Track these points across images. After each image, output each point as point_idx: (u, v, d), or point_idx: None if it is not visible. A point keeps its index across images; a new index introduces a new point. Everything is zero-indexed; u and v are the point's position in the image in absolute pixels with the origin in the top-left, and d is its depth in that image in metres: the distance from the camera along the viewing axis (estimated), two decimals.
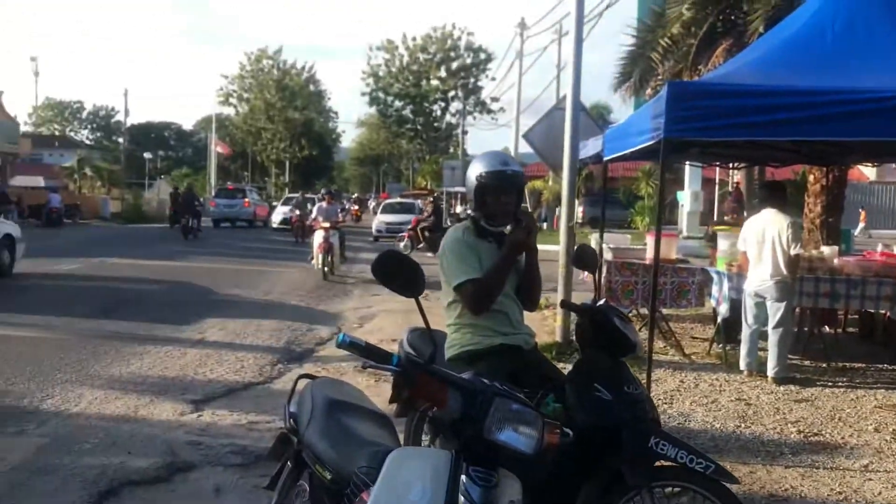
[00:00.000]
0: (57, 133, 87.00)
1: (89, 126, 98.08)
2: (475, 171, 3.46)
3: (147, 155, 68.39)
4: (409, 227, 22.86)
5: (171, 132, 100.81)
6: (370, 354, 2.27)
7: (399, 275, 2.42)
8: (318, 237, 15.12)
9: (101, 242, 22.55)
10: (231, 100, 73.09)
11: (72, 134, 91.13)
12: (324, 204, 16.02)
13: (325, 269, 14.75)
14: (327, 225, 14.91)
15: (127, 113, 55.17)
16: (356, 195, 64.52)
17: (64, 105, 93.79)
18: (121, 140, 67.25)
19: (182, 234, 26.13)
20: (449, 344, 3.54)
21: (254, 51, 72.78)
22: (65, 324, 9.28)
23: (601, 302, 3.49)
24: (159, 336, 8.80)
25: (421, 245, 21.04)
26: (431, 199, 27.31)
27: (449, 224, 36.02)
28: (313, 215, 16.14)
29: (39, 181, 39.09)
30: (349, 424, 2.79)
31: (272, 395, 6.48)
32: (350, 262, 18.05)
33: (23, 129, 47.53)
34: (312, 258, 15.57)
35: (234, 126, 75.54)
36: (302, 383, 3.18)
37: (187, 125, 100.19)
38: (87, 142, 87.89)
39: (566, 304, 4.15)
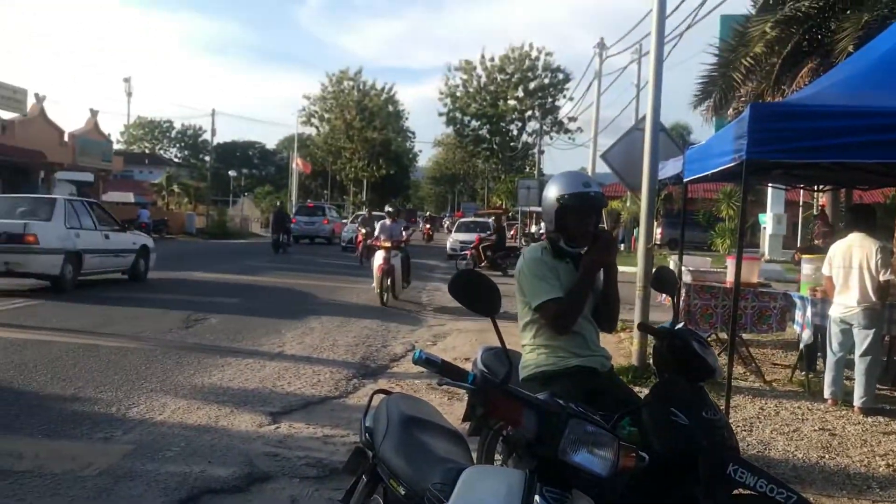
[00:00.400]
0: (147, 151, 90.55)
1: (177, 144, 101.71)
2: (555, 191, 3.44)
3: (231, 173, 70.59)
4: (472, 245, 22.91)
5: (255, 151, 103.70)
6: (446, 372, 2.30)
7: (475, 293, 2.44)
8: (377, 258, 13.83)
9: (186, 257, 23.34)
10: (313, 120, 74.74)
11: (161, 152, 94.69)
12: (387, 222, 14.76)
13: (385, 293, 13.58)
14: (388, 245, 13.75)
15: (213, 132, 57.19)
16: (429, 213, 62.91)
17: (154, 124, 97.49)
18: (207, 158, 69.55)
19: (273, 249, 27.51)
20: (523, 364, 3.54)
21: (335, 72, 74.37)
22: (151, 335, 9.62)
23: (680, 325, 3.45)
24: (240, 349, 9.04)
25: (483, 264, 21.07)
26: (493, 218, 27.30)
27: (523, 244, 36.02)
28: (375, 234, 14.89)
29: (130, 197, 40.75)
30: (424, 440, 2.82)
31: (347, 409, 6.58)
32: (423, 280, 18.12)
33: (115, 147, 49.54)
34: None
35: (314, 145, 77.20)
36: (377, 398, 3.24)
37: (270, 144, 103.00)
38: (175, 160, 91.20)
39: (644, 327, 4.09)
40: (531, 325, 3.51)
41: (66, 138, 35.62)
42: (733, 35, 12.18)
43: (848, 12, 10.51)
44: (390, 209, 15.58)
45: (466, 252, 22.68)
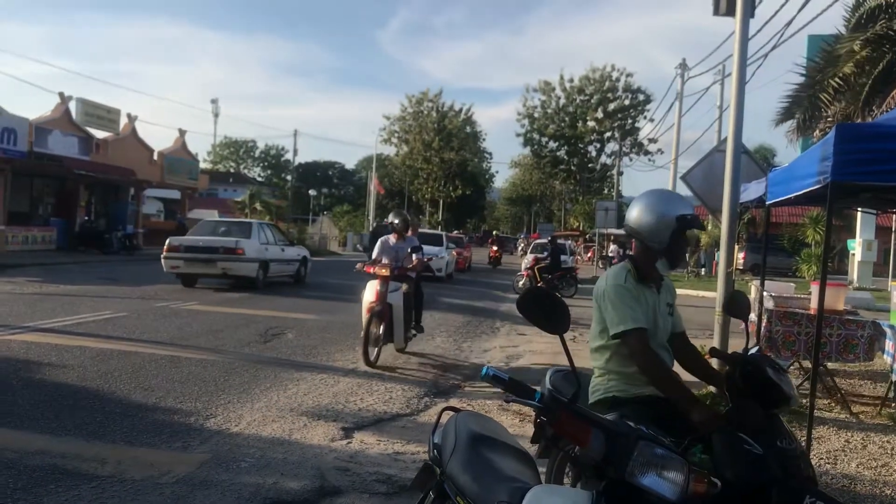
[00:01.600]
0: (231, 170, 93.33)
1: (261, 164, 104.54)
2: (675, 210, 3.35)
3: (312, 192, 72.05)
4: (528, 266, 22.84)
5: (335, 171, 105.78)
6: (513, 389, 2.30)
7: (545, 312, 2.43)
8: (368, 290, 9.60)
9: None
10: (392, 140, 75.87)
11: (245, 171, 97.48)
12: (390, 239, 10.20)
13: (374, 347, 9.30)
14: (386, 272, 9.49)
15: (295, 152, 58.79)
16: (496, 233, 54.38)
17: (239, 144, 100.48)
18: (288, 177, 71.20)
19: None
20: (593, 388, 3.48)
21: (416, 93, 75.38)
22: (230, 349, 9.87)
23: (754, 350, 3.35)
24: (314, 364, 9.19)
25: (539, 285, 20.91)
26: (549, 239, 27.12)
27: (601, 266, 35.58)
28: (374, 254, 10.27)
29: (214, 214, 41.94)
30: (491, 458, 2.81)
31: (418, 426, 6.61)
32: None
33: (201, 165, 51.25)
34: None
35: (392, 165, 78.29)
36: (446, 416, 3.24)
37: (350, 164, 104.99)
38: (259, 178, 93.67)
39: (716, 353, 3.96)
40: (604, 350, 3.43)
41: (155, 157, 37.05)
42: (821, 55, 11.84)
43: None
44: (396, 220, 10.30)
45: (522, 273, 22.66)
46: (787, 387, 3.06)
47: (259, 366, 8.80)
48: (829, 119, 11.99)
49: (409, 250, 10.11)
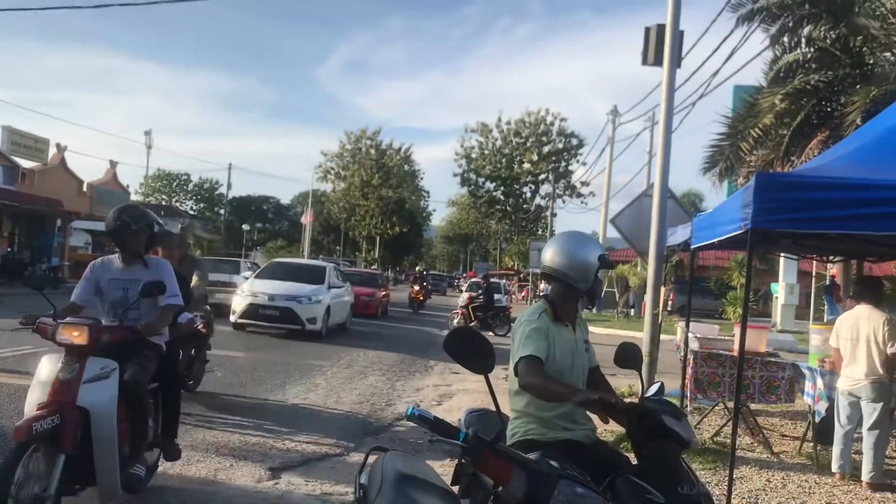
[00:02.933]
0: (164, 203, 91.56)
1: (194, 197, 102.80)
2: (596, 251, 3.44)
3: (245, 226, 71.11)
4: (462, 305, 23.04)
5: (270, 205, 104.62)
6: (438, 428, 2.31)
7: (470, 351, 2.46)
8: (38, 381, 4.53)
9: None
10: (329, 176, 75.65)
11: (178, 204, 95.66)
12: (113, 263, 5.26)
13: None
14: (81, 339, 4.43)
15: (229, 186, 58.02)
16: (418, 268, 44.13)
17: (172, 177, 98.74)
18: (222, 211, 70.21)
19: None
20: (511, 431, 3.46)
21: (354, 131, 75.52)
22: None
23: (654, 388, 3.39)
24: (241, 403, 9.01)
25: (472, 323, 21.16)
26: (482, 278, 27.41)
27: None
28: (73, 295, 5.28)
29: None
30: (416, 499, 2.80)
31: (347, 466, 6.53)
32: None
33: (133, 198, 50.15)
34: None
35: (329, 201, 78.01)
36: (374, 456, 3.23)
37: (285, 200, 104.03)
38: (191, 212, 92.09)
39: (610, 406, 3.23)
40: (522, 394, 3.41)
41: (84, 188, 36.18)
42: (743, 106, 12.36)
43: (858, 86, 10.65)
44: (120, 223, 5.08)
45: (457, 311, 22.82)
46: (685, 431, 3.07)
47: (184, 404, 8.52)
48: (751, 166, 12.48)
49: (151, 290, 4.83)
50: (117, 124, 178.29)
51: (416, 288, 31.77)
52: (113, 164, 39.85)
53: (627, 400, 3.37)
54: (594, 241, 3.55)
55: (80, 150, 71.25)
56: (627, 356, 3.61)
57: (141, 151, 67.95)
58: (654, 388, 3.42)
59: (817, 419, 7.86)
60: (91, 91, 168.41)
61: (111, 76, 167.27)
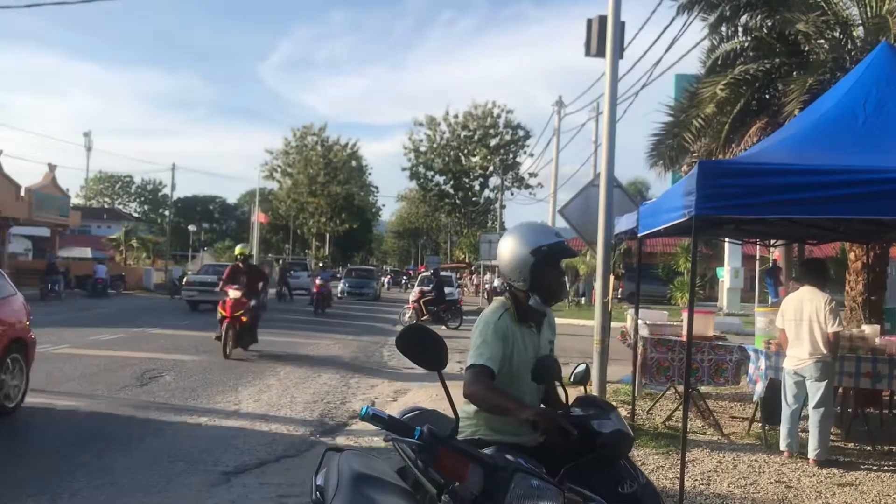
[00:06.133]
0: (106, 206, 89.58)
1: (138, 199, 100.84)
2: (529, 244, 3.12)
3: (191, 227, 69.97)
4: (414, 299, 23.11)
5: (216, 205, 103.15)
6: (392, 427, 2.30)
7: (422, 348, 2.46)
8: None
9: (142, 313, 22.94)
10: (275, 174, 74.83)
11: (121, 207, 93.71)
12: None
13: None
14: None
15: (174, 187, 56.92)
16: (322, 264, 44.70)
17: (114, 179, 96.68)
18: (167, 213, 68.99)
19: (277, 298, 31.96)
20: (461, 429, 3.19)
21: (300, 127, 74.78)
22: (104, 394, 9.40)
23: (580, 370, 3.34)
24: (194, 407, 8.87)
25: (424, 317, 21.26)
26: (433, 272, 27.60)
27: (485, 299, 36.02)
28: None
29: (87, 252, 40.12)
30: (374, 498, 2.79)
31: (303, 467, 6.46)
32: None
33: (73, 201, 49.01)
34: None
35: (277, 200, 77.17)
36: (329, 456, 3.20)
37: (232, 199, 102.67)
38: (135, 214, 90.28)
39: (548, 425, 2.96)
40: None
41: (22, 193, 35.14)
42: (685, 95, 12.55)
43: (794, 75, 10.88)
44: None
45: (409, 306, 22.88)
46: (615, 432, 2.95)
47: (135, 410, 8.43)
48: (694, 155, 12.68)
49: None
50: (55, 127, 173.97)
51: (319, 282, 26.97)
52: (52, 167, 38.77)
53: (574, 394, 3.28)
54: (537, 232, 3.22)
55: (17, 153, 69.14)
56: (543, 371, 3.14)
57: (80, 154, 66.43)
58: (580, 368, 3.34)
59: (754, 398, 8.06)
60: (25, 92, 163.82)
61: (46, 77, 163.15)
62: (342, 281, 40.60)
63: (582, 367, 3.39)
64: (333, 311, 27.31)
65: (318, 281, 27.21)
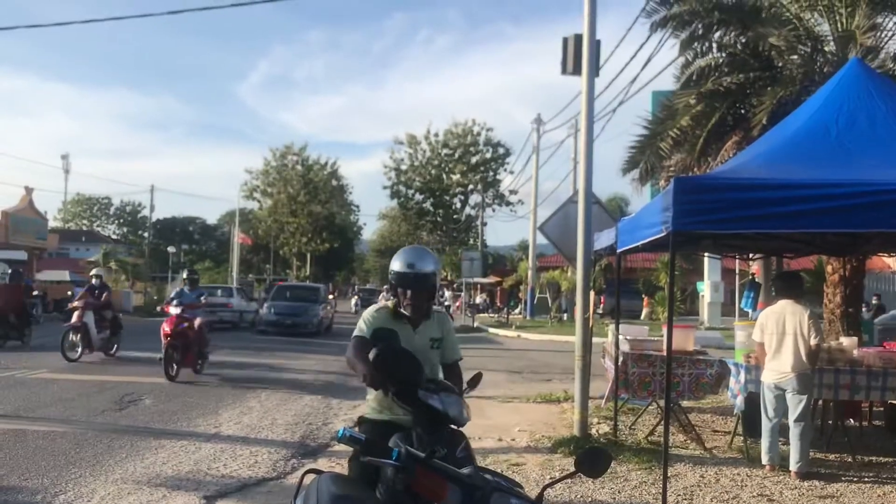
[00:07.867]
0: (84, 228, 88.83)
1: (116, 221, 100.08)
2: (392, 266, 3.85)
3: (171, 249, 69.49)
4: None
5: (196, 226, 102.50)
6: (370, 450, 2.29)
7: (401, 367, 2.45)
8: None
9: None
10: (255, 194, 74.53)
11: (99, 229, 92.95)
12: None
13: None
14: None
15: (152, 208, 56.62)
16: (186, 277, 17.59)
17: (93, 201, 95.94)
18: (146, 234, 68.53)
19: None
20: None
21: (279, 147, 74.58)
22: (82, 418, 9.29)
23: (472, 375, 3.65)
24: (174, 431, 8.78)
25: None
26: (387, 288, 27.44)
27: (468, 314, 36.02)
28: None
29: (65, 275, 39.65)
30: None
31: (284, 490, 6.41)
32: None
33: (51, 224, 48.56)
34: None
35: (257, 220, 76.81)
36: (309, 478, 3.18)
37: (211, 220, 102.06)
38: (114, 236, 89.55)
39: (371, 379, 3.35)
40: None
41: None
42: (661, 109, 12.67)
43: (768, 88, 11.01)
44: None
45: None
46: (445, 405, 2.96)
47: (114, 435, 8.32)
48: (671, 168, 12.79)
49: None
50: (30, 149, 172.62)
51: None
52: (28, 190, 38.52)
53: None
54: (400, 258, 3.84)
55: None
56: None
57: (58, 176, 65.88)
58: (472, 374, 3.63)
59: (735, 412, 8.10)
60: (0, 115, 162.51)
61: (20, 98, 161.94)
62: (265, 305, 27.67)
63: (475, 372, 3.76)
64: (206, 376, 13.76)
65: (172, 310, 13.41)
